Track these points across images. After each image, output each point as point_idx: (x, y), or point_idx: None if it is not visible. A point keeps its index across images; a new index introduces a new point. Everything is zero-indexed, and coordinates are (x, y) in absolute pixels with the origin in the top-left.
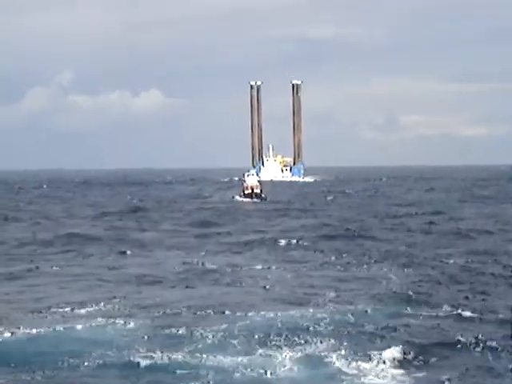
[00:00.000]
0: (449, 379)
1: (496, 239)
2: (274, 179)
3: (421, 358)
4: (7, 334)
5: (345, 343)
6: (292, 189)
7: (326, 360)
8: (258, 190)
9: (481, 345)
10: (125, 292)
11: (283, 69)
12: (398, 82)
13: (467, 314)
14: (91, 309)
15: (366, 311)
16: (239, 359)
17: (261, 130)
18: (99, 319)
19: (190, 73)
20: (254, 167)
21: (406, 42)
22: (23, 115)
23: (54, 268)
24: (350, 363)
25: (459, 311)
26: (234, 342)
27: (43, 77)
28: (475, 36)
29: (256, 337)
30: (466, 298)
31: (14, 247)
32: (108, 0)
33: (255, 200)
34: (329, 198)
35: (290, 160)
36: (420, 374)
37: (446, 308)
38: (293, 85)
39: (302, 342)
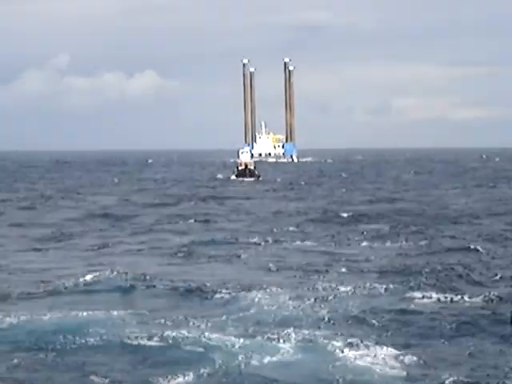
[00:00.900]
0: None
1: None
2: (269, 159)
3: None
4: None
5: (346, 330)
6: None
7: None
8: (251, 167)
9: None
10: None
11: (278, 54)
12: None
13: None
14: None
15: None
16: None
17: (254, 107)
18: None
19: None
20: (248, 144)
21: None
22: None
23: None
24: (349, 349)
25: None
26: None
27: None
28: (473, 23)
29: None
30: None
31: None
32: None
33: (249, 179)
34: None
35: (282, 137)
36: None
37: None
38: (285, 63)
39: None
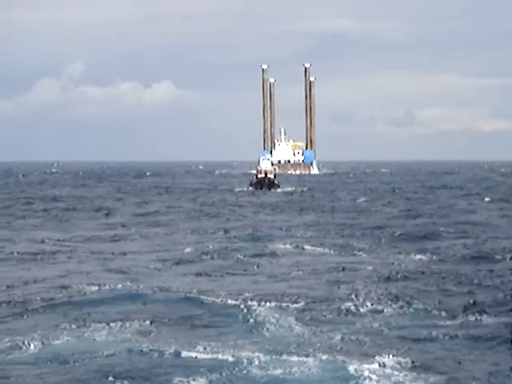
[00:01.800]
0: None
1: None
2: (289, 170)
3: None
4: None
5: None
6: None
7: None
8: (271, 175)
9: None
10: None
11: (299, 63)
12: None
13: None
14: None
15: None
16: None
17: (273, 114)
18: None
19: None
20: (267, 151)
21: (424, 37)
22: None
23: None
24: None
25: None
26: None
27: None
28: (496, 35)
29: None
30: None
31: None
32: None
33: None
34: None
35: (302, 144)
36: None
37: None
38: (305, 69)
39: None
